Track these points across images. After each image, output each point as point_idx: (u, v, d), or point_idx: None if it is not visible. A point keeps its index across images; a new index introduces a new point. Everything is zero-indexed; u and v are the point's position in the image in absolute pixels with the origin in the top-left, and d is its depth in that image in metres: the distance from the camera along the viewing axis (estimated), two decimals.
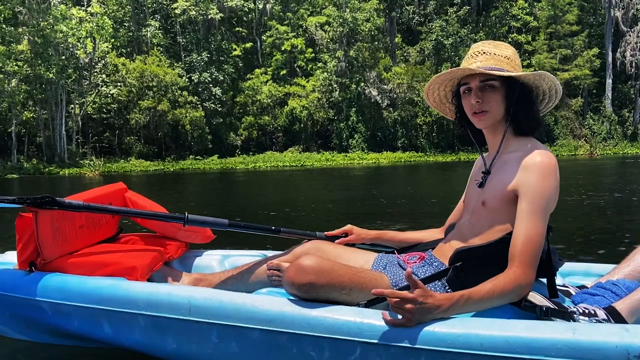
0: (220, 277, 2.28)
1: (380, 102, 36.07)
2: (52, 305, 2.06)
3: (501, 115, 1.87)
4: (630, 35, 42.84)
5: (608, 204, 8.44)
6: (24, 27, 29.91)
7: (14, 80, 29.34)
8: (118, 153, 34.77)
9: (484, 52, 1.87)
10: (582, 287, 2.10)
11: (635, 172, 16.90)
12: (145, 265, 2.19)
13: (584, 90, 41.42)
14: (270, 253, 2.55)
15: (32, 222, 2.08)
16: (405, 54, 42.02)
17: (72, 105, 32.67)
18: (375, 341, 1.61)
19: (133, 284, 2.01)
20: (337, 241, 2.30)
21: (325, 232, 2.36)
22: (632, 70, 42.58)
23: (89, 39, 30.97)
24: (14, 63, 29.72)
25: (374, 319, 1.65)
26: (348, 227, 2.34)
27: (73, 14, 30.35)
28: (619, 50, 42.50)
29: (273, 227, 2.34)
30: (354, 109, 36.44)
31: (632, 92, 43.56)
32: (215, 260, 2.62)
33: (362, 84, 36.37)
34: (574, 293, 2.01)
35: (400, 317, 1.61)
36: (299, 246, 2.22)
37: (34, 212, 2.06)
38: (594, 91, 42.42)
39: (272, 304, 1.79)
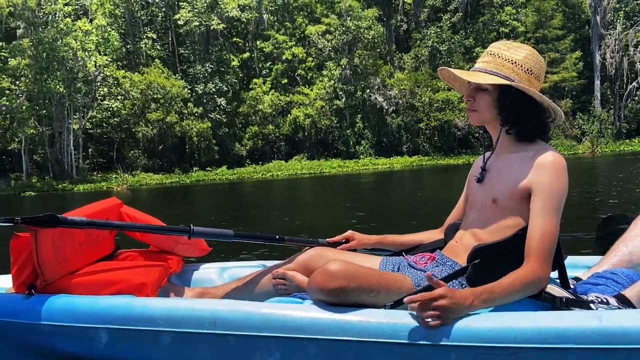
0: (224, 289, 2.21)
1: (386, 107, 36.11)
2: (60, 328, 1.87)
3: (491, 117, 1.87)
4: (608, 39, 44.28)
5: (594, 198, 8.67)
6: (22, 41, 28.62)
7: (20, 97, 28.08)
8: (122, 167, 33.59)
9: (491, 54, 1.85)
10: (576, 278, 2.12)
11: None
12: (154, 281, 2.09)
13: (569, 92, 42.49)
14: (269, 263, 2.48)
15: (30, 242, 1.91)
16: (399, 61, 42.28)
17: (76, 120, 31.46)
18: (411, 341, 1.58)
19: (149, 300, 1.89)
20: (339, 247, 2.25)
21: (327, 239, 2.31)
22: (612, 71, 44.05)
23: (97, 52, 29.96)
24: (10, 79, 28.51)
25: (407, 320, 1.63)
26: (349, 233, 2.29)
27: (79, 27, 29.27)
28: (599, 52, 43.84)
29: (277, 236, 2.28)
30: (359, 115, 36.29)
31: (608, 93, 45.00)
32: (214, 273, 2.53)
33: (368, 91, 36.34)
34: (570, 285, 2.00)
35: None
36: (301, 254, 2.16)
37: (33, 232, 1.89)
38: (574, 92, 43.58)
39: (302, 312, 1.71)
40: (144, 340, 1.82)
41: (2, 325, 1.94)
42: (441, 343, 1.56)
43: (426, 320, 1.57)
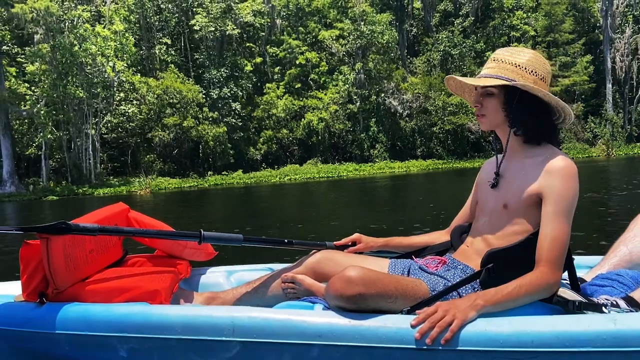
0: (234, 294, 2.19)
1: (401, 112, 36.15)
2: (76, 337, 1.82)
3: (500, 120, 1.88)
4: (618, 42, 44.34)
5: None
6: (40, 46, 28.66)
7: (40, 102, 28.14)
8: (139, 172, 33.60)
9: (495, 60, 1.88)
10: (579, 279, 2.06)
11: None
12: (167, 287, 2.05)
13: (579, 96, 42.50)
14: (275, 266, 2.49)
15: (40, 250, 1.87)
16: (410, 65, 42.33)
17: (95, 125, 31.51)
18: (429, 347, 1.58)
19: (166, 308, 1.87)
20: (346, 250, 2.26)
21: (335, 242, 2.32)
22: (622, 75, 44.09)
23: (116, 57, 30.05)
24: (27, 85, 28.55)
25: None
26: (356, 235, 2.30)
27: (98, 33, 29.36)
28: (610, 56, 43.86)
29: (286, 240, 2.28)
30: (373, 119, 36.31)
31: (617, 96, 44.97)
32: (222, 277, 2.51)
33: (382, 95, 36.37)
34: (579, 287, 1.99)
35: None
36: (310, 257, 2.15)
37: (44, 239, 1.84)
38: (583, 96, 43.58)
39: (320, 318, 1.70)
40: (161, 348, 1.79)
41: (14, 334, 1.89)
42: (459, 348, 1.57)
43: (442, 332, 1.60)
